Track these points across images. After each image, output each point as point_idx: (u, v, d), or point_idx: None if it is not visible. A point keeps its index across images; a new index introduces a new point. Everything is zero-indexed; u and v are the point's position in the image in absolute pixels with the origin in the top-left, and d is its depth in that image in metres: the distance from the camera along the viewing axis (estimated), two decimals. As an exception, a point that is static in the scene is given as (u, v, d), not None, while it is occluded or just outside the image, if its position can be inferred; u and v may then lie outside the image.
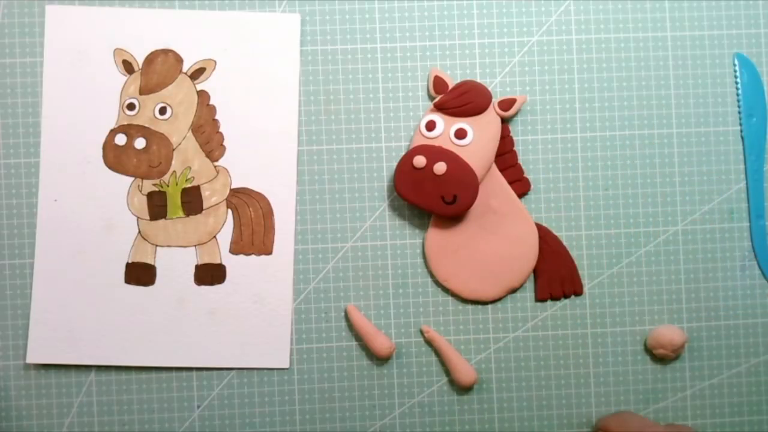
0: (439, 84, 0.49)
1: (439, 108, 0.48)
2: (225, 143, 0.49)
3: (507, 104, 0.48)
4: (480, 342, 0.50)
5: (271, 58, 0.49)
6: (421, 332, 0.49)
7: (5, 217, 0.48)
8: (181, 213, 0.49)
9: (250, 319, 0.48)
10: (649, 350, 0.50)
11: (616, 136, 0.50)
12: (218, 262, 0.48)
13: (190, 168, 0.49)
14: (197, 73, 0.49)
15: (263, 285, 0.49)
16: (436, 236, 0.49)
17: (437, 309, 0.49)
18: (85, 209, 0.48)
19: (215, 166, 0.49)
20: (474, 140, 0.48)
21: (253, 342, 0.48)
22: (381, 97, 0.50)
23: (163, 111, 0.49)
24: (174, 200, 0.49)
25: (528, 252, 0.49)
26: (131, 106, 0.49)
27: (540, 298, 0.50)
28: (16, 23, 0.49)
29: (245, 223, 0.49)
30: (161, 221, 0.49)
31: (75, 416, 0.48)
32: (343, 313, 0.49)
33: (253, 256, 0.49)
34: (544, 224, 0.50)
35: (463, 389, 0.49)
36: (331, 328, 0.49)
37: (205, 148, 0.49)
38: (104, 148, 0.49)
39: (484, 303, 0.50)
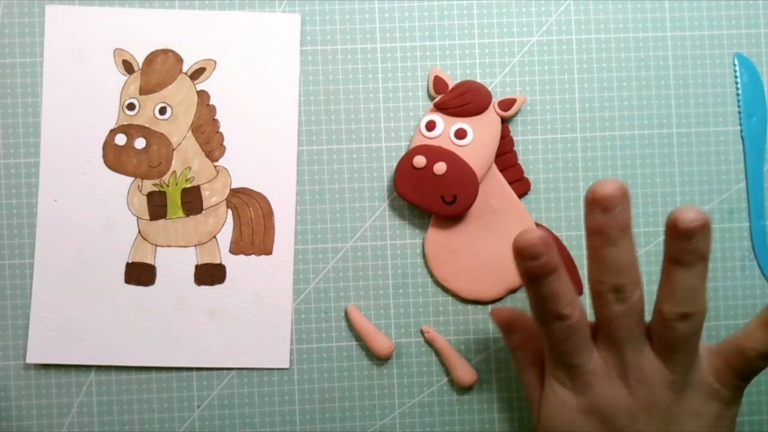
0: (439, 84, 0.49)
1: (439, 108, 0.48)
2: (225, 143, 0.49)
3: (507, 104, 0.48)
4: (480, 342, 0.49)
5: (271, 58, 0.49)
6: (422, 332, 0.49)
7: (5, 217, 0.48)
8: (181, 213, 0.49)
9: (250, 319, 0.48)
10: (649, 350, 0.49)
11: (616, 136, 0.50)
12: (218, 262, 0.48)
13: (190, 168, 0.49)
14: (197, 73, 0.49)
15: (263, 285, 0.49)
16: (436, 236, 0.49)
17: (437, 309, 0.49)
18: (85, 209, 0.48)
19: (215, 166, 0.49)
20: (474, 140, 0.48)
21: (253, 342, 0.48)
22: (381, 97, 0.50)
23: (163, 111, 0.49)
24: (174, 200, 0.49)
25: (528, 252, 0.49)
26: (131, 106, 0.49)
27: (540, 298, 0.50)
28: (16, 23, 0.49)
29: (245, 223, 0.49)
30: (161, 221, 0.49)
31: (75, 416, 0.48)
32: (343, 313, 0.49)
33: (253, 256, 0.49)
34: (544, 224, 0.50)
35: (463, 389, 0.49)
36: (331, 328, 0.49)
37: (205, 148, 0.49)
38: (104, 148, 0.49)
39: (484, 303, 0.50)
